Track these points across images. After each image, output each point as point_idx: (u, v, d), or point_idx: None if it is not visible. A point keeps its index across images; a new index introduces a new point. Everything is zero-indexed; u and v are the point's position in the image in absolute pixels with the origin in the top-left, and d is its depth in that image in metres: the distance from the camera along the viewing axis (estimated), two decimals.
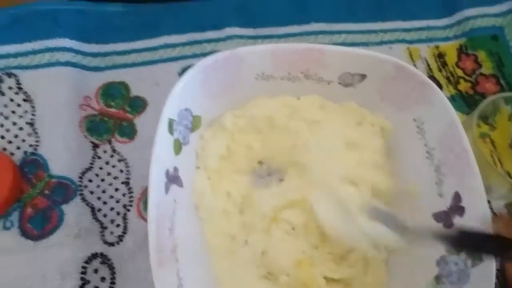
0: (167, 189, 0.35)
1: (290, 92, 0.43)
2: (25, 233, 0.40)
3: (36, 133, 0.44)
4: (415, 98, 0.40)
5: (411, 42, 0.54)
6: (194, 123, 0.40)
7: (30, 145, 0.43)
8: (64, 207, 0.41)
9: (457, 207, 0.37)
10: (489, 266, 0.33)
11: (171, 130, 0.36)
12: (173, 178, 0.36)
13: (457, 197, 0.37)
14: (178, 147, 0.38)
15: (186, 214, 0.38)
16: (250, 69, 0.40)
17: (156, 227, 0.32)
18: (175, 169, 0.37)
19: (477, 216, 0.35)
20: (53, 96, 0.45)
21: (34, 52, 0.47)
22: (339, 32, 0.54)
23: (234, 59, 0.39)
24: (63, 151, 0.43)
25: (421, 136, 0.40)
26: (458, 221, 0.36)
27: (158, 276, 0.31)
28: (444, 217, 0.38)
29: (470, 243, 0.31)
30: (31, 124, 0.44)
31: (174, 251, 0.35)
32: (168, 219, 0.35)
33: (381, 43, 0.54)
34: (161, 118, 0.35)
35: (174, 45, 0.50)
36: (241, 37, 0.51)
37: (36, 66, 0.46)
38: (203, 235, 0.39)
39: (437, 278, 0.36)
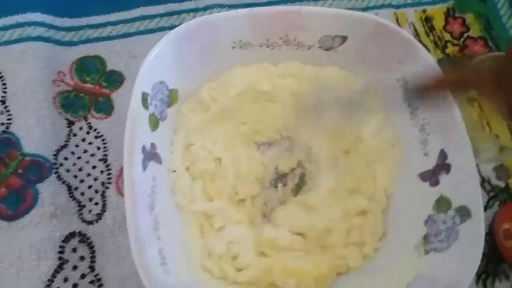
0: (144, 166, 0.34)
1: (270, 60, 0.41)
2: None
3: (8, 111, 0.42)
4: (397, 57, 0.38)
5: (397, 6, 0.53)
6: (171, 97, 0.38)
7: (2, 123, 0.41)
8: (39, 186, 0.40)
9: (443, 165, 0.36)
10: (478, 221, 0.32)
11: (145, 104, 0.35)
12: (150, 155, 0.35)
13: (442, 154, 0.36)
14: (154, 122, 0.36)
15: (168, 192, 0.37)
16: (226, 37, 0.38)
17: (134, 206, 0.31)
18: (152, 145, 0.36)
19: (463, 171, 0.34)
20: (25, 72, 0.43)
21: (4, 28, 0.45)
22: None
23: (208, 27, 0.37)
24: (36, 128, 0.41)
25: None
26: (444, 178, 0.36)
27: (138, 255, 0.30)
28: (430, 175, 0.37)
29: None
30: (2, 102, 0.42)
31: (156, 229, 0.34)
32: (148, 197, 0.34)
33: (367, 8, 0.52)
34: (134, 91, 0.34)
35: (151, 17, 0.48)
36: (221, 6, 0.49)
37: (6, 42, 0.44)
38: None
39: (426, 238, 0.35)
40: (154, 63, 0.35)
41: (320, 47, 0.40)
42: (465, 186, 0.34)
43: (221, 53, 0.39)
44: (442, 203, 0.35)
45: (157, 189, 0.35)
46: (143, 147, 0.34)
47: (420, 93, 0.35)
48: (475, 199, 0.33)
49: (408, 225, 0.37)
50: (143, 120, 0.35)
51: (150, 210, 0.34)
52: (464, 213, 0.33)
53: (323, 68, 0.41)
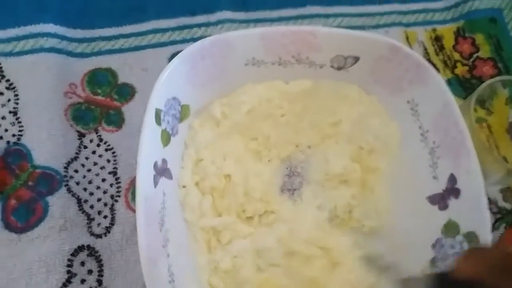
0: (156, 182, 0.34)
1: (281, 77, 0.41)
2: (8, 226, 0.39)
3: (20, 122, 0.42)
4: (409, 79, 0.38)
5: (407, 25, 0.53)
6: (183, 113, 0.39)
7: (13, 135, 0.42)
8: (49, 198, 0.40)
9: (452, 189, 0.36)
10: None
11: (158, 120, 0.35)
12: (161, 171, 0.35)
13: (452, 179, 0.36)
14: (166, 138, 0.36)
15: (177, 208, 0.37)
16: (239, 54, 0.39)
17: (145, 222, 0.31)
18: (164, 161, 0.36)
19: (472, 197, 0.34)
20: (37, 83, 0.43)
21: (18, 39, 0.45)
22: (335, 16, 0.52)
23: (221, 45, 0.37)
24: (47, 140, 0.41)
25: (415, 118, 0.39)
26: (453, 203, 0.36)
27: (149, 273, 0.30)
28: (439, 199, 0.37)
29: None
30: (14, 113, 0.42)
31: (165, 246, 0.34)
32: (158, 214, 0.34)
33: (377, 26, 0.52)
34: (148, 108, 0.34)
35: (163, 30, 0.48)
36: (232, 21, 0.50)
37: (19, 53, 0.44)
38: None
39: (433, 261, 0.35)
40: (168, 80, 0.35)
41: (332, 66, 0.40)
42: (474, 212, 0.34)
43: (234, 70, 0.40)
44: (450, 228, 0.35)
45: (167, 205, 0.35)
46: (155, 163, 0.34)
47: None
48: (484, 225, 0.33)
49: (415, 248, 0.37)
50: (156, 136, 0.35)
51: (160, 226, 0.34)
52: (472, 239, 0.33)
53: (338, 83, 0.41)
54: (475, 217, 0.34)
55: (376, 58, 0.39)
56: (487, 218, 0.33)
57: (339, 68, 0.40)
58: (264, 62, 0.40)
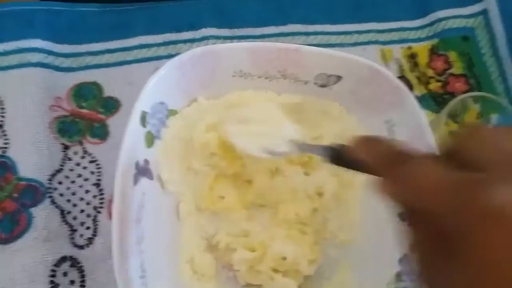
0: (135, 181, 0.35)
1: (268, 90, 0.43)
2: None
3: (5, 135, 0.43)
4: (388, 101, 0.40)
5: (384, 43, 0.55)
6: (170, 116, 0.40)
7: None
8: (33, 210, 0.41)
9: None
10: None
11: (143, 122, 0.36)
12: (142, 170, 0.36)
13: None
14: (150, 139, 0.38)
15: (156, 207, 0.38)
16: (227, 66, 0.40)
17: (120, 218, 0.32)
18: (146, 161, 0.37)
19: None
20: (23, 97, 0.44)
21: (5, 53, 0.46)
22: (315, 33, 0.54)
23: (211, 55, 0.39)
24: (32, 153, 0.42)
25: (391, 138, 0.41)
26: None
27: (119, 267, 0.31)
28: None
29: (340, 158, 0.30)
30: (0, 126, 0.43)
31: (140, 243, 0.35)
32: (135, 212, 0.35)
33: (355, 44, 0.54)
34: (134, 109, 0.35)
35: (149, 45, 0.50)
36: (217, 37, 0.51)
37: (7, 67, 0.45)
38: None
39: (398, 276, 0.37)
40: (157, 84, 0.37)
41: (315, 83, 0.42)
42: None
43: (222, 80, 0.41)
44: None
45: (146, 204, 0.36)
46: (137, 162, 0.36)
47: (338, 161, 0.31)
48: None
49: (382, 262, 0.38)
50: (139, 137, 0.36)
51: (136, 224, 0.35)
52: None
53: (320, 100, 0.43)
54: None
55: (357, 79, 0.40)
56: None
57: (322, 86, 0.42)
58: (251, 74, 0.41)
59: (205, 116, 0.41)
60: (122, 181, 0.33)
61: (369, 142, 0.25)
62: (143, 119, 0.36)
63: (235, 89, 0.42)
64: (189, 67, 0.38)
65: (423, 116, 0.38)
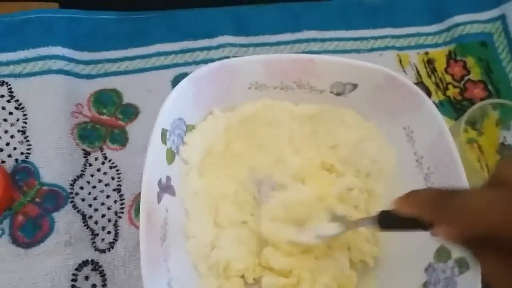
0: (159, 199, 0.36)
1: (284, 100, 0.43)
2: (16, 241, 0.40)
3: (28, 141, 0.44)
4: (405, 107, 0.40)
5: (401, 48, 0.55)
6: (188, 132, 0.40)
7: (22, 153, 0.43)
8: (55, 214, 0.41)
9: None
10: (475, 274, 0.34)
11: (164, 140, 0.37)
12: (165, 187, 0.37)
13: None
14: (171, 156, 0.38)
15: (177, 223, 0.39)
16: (243, 79, 0.41)
17: (148, 237, 0.33)
18: (168, 178, 0.38)
19: None
20: (45, 104, 0.45)
21: (27, 60, 0.47)
22: (331, 40, 0.54)
23: (227, 69, 0.39)
24: (54, 158, 0.43)
25: (411, 144, 0.41)
26: None
27: (149, 286, 0.31)
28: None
29: (391, 223, 0.31)
30: (22, 132, 0.44)
31: (166, 260, 0.35)
32: (160, 229, 0.35)
33: (371, 50, 0.54)
34: (154, 128, 0.35)
35: (166, 53, 0.50)
36: (233, 45, 0.52)
37: (28, 74, 0.46)
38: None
39: (425, 285, 0.37)
40: (175, 101, 0.37)
41: (331, 92, 0.42)
42: None
43: (237, 93, 0.42)
44: (442, 253, 0.36)
45: (169, 220, 0.37)
46: (159, 180, 0.36)
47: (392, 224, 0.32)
48: None
49: (409, 272, 0.38)
50: (161, 155, 0.37)
51: (162, 241, 0.35)
52: (462, 264, 0.35)
53: (336, 108, 0.43)
54: None
55: (373, 86, 0.41)
56: None
57: (338, 94, 0.42)
58: (267, 86, 0.42)
59: None
60: (147, 201, 0.33)
61: (408, 197, 0.27)
62: (164, 137, 0.36)
63: (250, 101, 0.43)
64: (205, 82, 0.39)
65: (442, 120, 0.38)
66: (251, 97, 0.42)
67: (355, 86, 0.41)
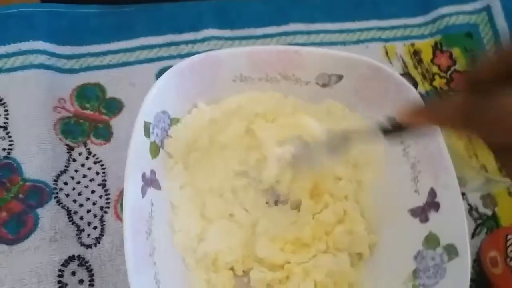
0: (143, 193, 0.35)
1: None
2: (0, 238, 0.39)
3: (10, 136, 0.43)
4: (391, 98, 0.40)
5: (387, 40, 0.55)
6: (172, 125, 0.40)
7: (4, 149, 0.42)
8: (39, 210, 0.41)
9: (432, 203, 0.37)
10: (465, 261, 0.34)
11: (147, 133, 0.36)
12: (150, 181, 0.36)
13: (432, 193, 0.37)
14: (155, 149, 0.38)
15: (163, 217, 0.38)
16: (227, 71, 0.40)
17: (132, 231, 0.32)
18: (152, 172, 0.37)
19: (451, 211, 0.36)
20: (26, 99, 0.44)
21: (7, 55, 0.46)
22: (317, 32, 0.54)
23: (210, 62, 0.39)
24: (37, 154, 0.42)
25: None
26: (434, 216, 0.37)
27: (135, 281, 0.31)
28: (420, 212, 0.38)
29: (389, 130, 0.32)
30: (4, 127, 0.43)
31: (152, 254, 0.35)
32: (145, 222, 0.35)
33: (357, 42, 0.54)
34: (136, 122, 0.35)
35: (150, 47, 0.50)
36: (218, 38, 0.51)
37: (9, 70, 0.45)
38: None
39: (415, 273, 0.37)
40: (158, 94, 0.36)
41: (317, 83, 0.42)
42: (452, 225, 0.35)
43: (222, 85, 0.41)
44: (431, 240, 0.36)
45: (155, 214, 0.36)
46: (143, 174, 0.36)
47: (396, 131, 0.32)
48: (462, 238, 0.34)
49: (398, 259, 0.38)
50: (144, 148, 0.36)
51: (147, 235, 0.35)
52: (451, 251, 0.35)
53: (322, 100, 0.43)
54: (454, 230, 0.35)
55: (358, 77, 0.40)
56: (465, 232, 0.35)
57: (324, 85, 0.42)
58: (252, 78, 0.41)
59: None
60: (130, 195, 0.33)
61: (428, 110, 0.27)
62: (147, 130, 0.36)
63: (235, 93, 0.42)
64: (189, 74, 0.38)
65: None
66: (236, 89, 0.42)
67: (340, 77, 0.41)
